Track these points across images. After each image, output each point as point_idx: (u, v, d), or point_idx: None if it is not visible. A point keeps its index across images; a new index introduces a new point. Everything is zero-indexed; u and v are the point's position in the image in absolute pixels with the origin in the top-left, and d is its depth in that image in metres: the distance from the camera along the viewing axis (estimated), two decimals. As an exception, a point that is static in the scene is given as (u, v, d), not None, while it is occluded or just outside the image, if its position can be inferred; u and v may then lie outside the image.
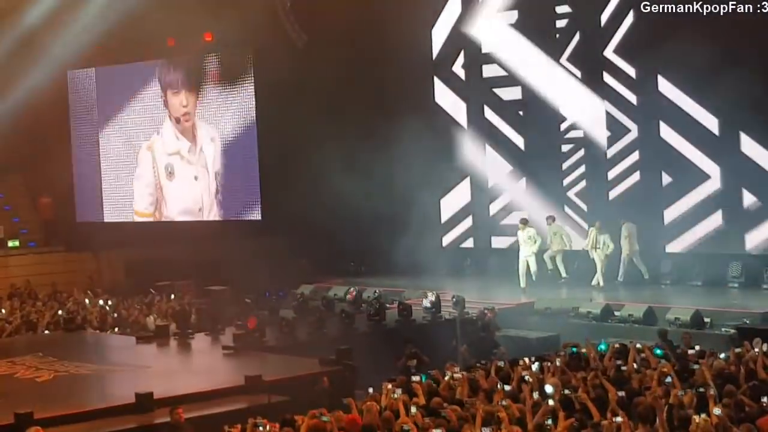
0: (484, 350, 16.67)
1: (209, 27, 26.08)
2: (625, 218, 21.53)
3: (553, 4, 23.17)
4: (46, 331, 21.50)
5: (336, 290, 23.00)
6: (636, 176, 22.21)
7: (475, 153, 24.84)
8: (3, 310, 23.62)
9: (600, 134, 22.73)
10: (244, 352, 17.31)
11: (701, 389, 10.84)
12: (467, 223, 25.22)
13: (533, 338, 18.37)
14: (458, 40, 24.99)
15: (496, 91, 24.42)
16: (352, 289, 21.91)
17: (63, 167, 30.16)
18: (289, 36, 26.26)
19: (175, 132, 28.58)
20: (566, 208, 23.24)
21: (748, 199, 20.71)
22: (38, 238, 30.47)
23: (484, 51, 24.58)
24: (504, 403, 10.61)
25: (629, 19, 21.89)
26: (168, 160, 28.74)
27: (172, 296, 24.04)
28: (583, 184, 23.10)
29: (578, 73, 22.93)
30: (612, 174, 22.50)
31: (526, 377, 11.96)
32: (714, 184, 21.05)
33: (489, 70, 24.55)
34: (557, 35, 23.21)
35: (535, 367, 12.76)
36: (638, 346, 13.74)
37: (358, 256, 26.30)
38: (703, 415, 9.65)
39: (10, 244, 29.70)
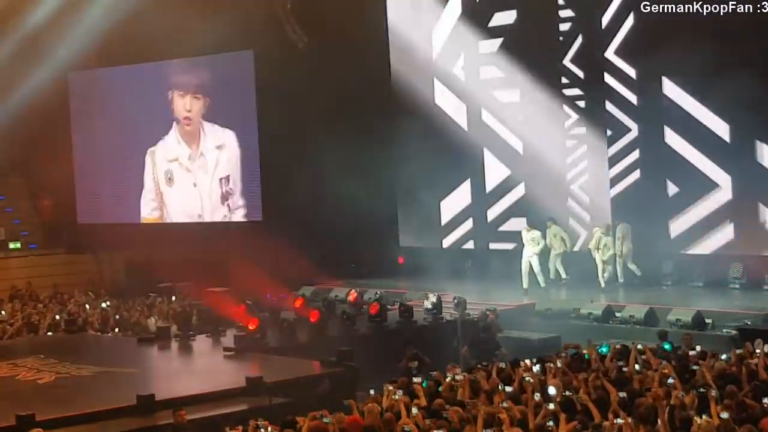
0: (485, 351, 16.68)
1: (210, 28, 26.08)
2: (623, 220, 21.51)
3: (556, 8, 23.13)
4: (48, 333, 21.52)
5: (337, 292, 23.01)
6: (638, 179, 22.02)
7: (475, 155, 24.83)
8: (4, 312, 23.66)
9: (600, 135, 22.74)
10: (245, 354, 17.32)
11: (702, 390, 10.84)
12: (468, 225, 25.21)
13: (534, 339, 18.38)
14: (458, 41, 24.98)
15: (494, 93, 24.43)
16: (353, 290, 21.91)
17: (64, 169, 30.17)
18: (289, 37, 26.27)
19: (177, 136, 28.63)
20: (568, 208, 23.19)
21: (765, 212, 20.19)
22: (39, 240, 30.52)
23: (483, 52, 24.58)
24: (505, 404, 10.61)
25: (630, 21, 21.85)
26: (167, 167, 28.79)
27: (173, 298, 24.07)
28: (584, 184, 23.07)
29: (581, 74, 22.95)
30: (613, 173, 22.43)
31: (528, 378, 11.96)
32: (725, 194, 20.62)
33: (488, 72, 24.53)
34: (560, 38, 23.18)
35: (536, 368, 12.77)
36: (639, 347, 13.76)
37: (358, 257, 26.30)
38: (705, 417, 9.66)
39: (12, 245, 29.75)
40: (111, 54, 28.61)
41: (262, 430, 10.70)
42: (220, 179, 27.84)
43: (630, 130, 22.15)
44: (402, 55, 25.46)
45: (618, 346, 14.12)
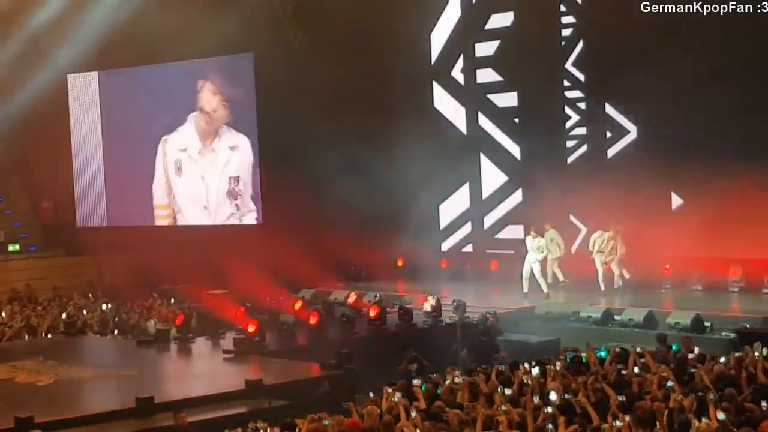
0: (484, 354, 16.69)
1: (210, 29, 26.08)
2: (622, 224, 21.54)
3: (557, 14, 23.15)
4: (47, 335, 21.51)
5: (336, 294, 23.01)
6: (638, 183, 22.03)
7: (473, 159, 24.85)
8: (3, 314, 23.65)
9: (600, 136, 22.76)
10: (244, 356, 17.32)
11: (701, 393, 10.85)
12: (467, 228, 25.21)
13: (534, 342, 18.34)
14: (457, 44, 24.99)
15: (491, 96, 24.44)
16: (352, 293, 21.90)
17: (63, 172, 30.17)
18: (289, 39, 26.28)
19: (193, 128, 28.43)
20: (569, 216, 23.21)
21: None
22: (39, 243, 30.50)
23: (482, 56, 24.59)
24: (504, 407, 10.63)
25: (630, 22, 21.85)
26: (178, 156, 28.78)
27: (173, 300, 24.05)
28: (583, 186, 23.07)
29: (582, 77, 22.97)
30: (612, 176, 22.43)
31: (527, 381, 11.97)
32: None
33: (486, 76, 24.54)
34: (562, 42, 23.20)
35: (535, 371, 12.78)
36: (638, 350, 13.77)
37: (358, 260, 26.28)
38: (704, 420, 9.67)
39: (11, 248, 29.73)
40: (111, 55, 28.57)
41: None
42: (230, 177, 27.84)
43: (629, 131, 22.20)
44: (401, 58, 25.45)
45: (617, 349, 14.14)
